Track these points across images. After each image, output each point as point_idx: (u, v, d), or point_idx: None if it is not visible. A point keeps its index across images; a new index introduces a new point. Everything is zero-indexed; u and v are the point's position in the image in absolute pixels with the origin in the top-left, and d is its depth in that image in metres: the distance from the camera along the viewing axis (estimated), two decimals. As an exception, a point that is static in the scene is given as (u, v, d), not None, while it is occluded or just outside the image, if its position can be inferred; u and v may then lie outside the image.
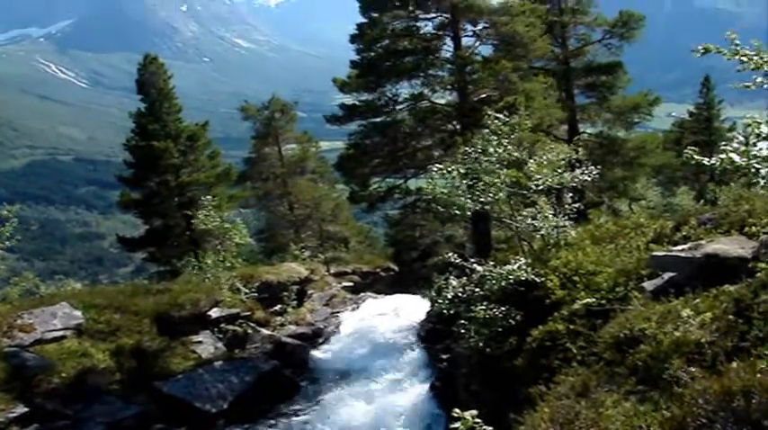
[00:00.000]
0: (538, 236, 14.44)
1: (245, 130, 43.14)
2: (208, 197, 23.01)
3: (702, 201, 24.54)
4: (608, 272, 11.22)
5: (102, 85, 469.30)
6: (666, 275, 9.59)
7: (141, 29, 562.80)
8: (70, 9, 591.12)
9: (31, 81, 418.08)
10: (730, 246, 9.33)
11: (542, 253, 13.88)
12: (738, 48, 7.43)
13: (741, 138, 8.34)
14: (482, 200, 13.74)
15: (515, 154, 14.25)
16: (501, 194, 13.85)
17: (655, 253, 10.52)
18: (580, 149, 16.07)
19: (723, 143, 8.55)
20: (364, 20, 27.30)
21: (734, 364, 6.17)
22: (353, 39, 27.34)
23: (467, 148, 14.85)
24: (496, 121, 14.69)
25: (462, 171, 14.14)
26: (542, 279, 12.14)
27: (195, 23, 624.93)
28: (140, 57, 30.72)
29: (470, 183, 14.02)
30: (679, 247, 10.19)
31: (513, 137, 14.65)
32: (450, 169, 14.17)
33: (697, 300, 8.13)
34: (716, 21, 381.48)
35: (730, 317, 7.20)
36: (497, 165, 13.90)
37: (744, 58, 7.41)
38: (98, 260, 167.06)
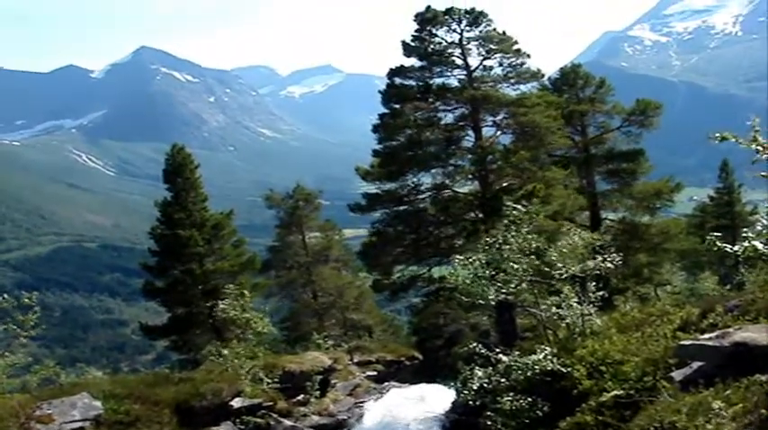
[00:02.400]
0: (563, 324, 14.31)
1: (268, 218, 43.64)
2: (231, 286, 23.07)
3: (728, 286, 24.25)
4: (635, 361, 11.07)
5: (129, 174, 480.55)
6: (695, 364, 9.45)
7: (170, 119, 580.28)
8: (103, 101, 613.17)
9: (62, 170, 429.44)
10: (758, 334, 9.19)
11: (568, 342, 13.73)
12: (757, 135, 7.55)
13: (765, 222, 8.38)
14: (504, 290, 13.74)
15: (534, 243, 14.30)
16: (524, 284, 13.85)
17: (682, 342, 10.38)
18: (603, 236, 16.11)
19: (745, 229, 8.59)
20: (386, 110, 27.99)
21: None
22: (376, 129, 27.98)
23: (487, 239, 14.95)
24: (514, 212, 14.85)
25: (484, 261, 14.20)
26: (569, 369, 11.98)
27: (221, 114, 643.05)
28: (167, 146, 31.47)
29: (492, 272, 14.05)
30: (706, 336, 10.05)
31: (531, 225, 14.75)
32: (471, 259, 14.24)
33: (728, 391, 7.97)
34: (729, 105, 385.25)
35: (762, 410, 7.05)
36: (518, 255, 13.96)
37: (760, 148, 7.53)
38: (120, 347, 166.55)
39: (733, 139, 7.86)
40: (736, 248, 8.12)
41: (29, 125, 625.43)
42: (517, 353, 13.55)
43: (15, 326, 17.25)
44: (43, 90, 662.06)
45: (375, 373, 29.51)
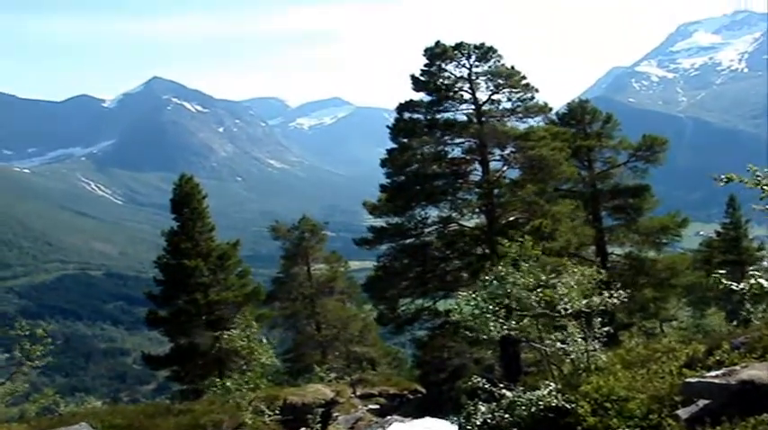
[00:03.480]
0: (567, 360, 14.17)
1: (274, 248, 43.66)
2: (239, 317, 23.00)
3: (735, 322, 24.05)
4: (641, 398, 10.95)
5: (136, 203, 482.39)
6: (701, 402, 9.35)
7: (179, 149, 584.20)
8: (114, 130, 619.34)
9: (70, 197, 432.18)
10: (766, 372, 9.11)
11: (572, 378, 13.59)
12: (759, 177, 7.55)
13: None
14: (505, 326, 13.66)
15: (532, 279, 14.22)
16: (525, 320, 13.79)
17: (688, 379, 10.28)
18: (605, 272, 16.02)
19: (751, 268, 8.56)
20: (394, 144, 28.10)
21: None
22: (384, 163, 28.07)
23: (486, 277, 14.90)
24: (509, 249, 14.84)
25: (485, 296, 14.14)
26: (573, 405, 11.83)
27: (230, 144, 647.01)
28: (176, 175, 31.64)
29: (495, 308, 13.98)
30: (713, 373, 9.96)
31: (529, 262, 14.68)
32: (474, 295, 14.19)
33: (734, 431, 7.88)
34: (735, 141, 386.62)
35: (769, 450, 6.95)
36: (521, 290, 13.90)
37: (766, 187, 7.53)
38: (121, 377, 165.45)
39: (738, 181, 7.85)
40: (741, 286, 8.08)
41: (40, 153, 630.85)
42: (521, 388, 13.42)
43: (22, 355, 17.24)
44: (56, 119, 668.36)
45: (378, 407, 29.22)
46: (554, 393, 12.35)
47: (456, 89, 27.75)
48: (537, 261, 15.02)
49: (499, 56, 27.38)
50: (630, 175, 33.40)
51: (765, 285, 7.71)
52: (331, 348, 37.11)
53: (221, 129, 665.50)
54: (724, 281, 8.13)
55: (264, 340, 21.95)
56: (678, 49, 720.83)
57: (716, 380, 9.37)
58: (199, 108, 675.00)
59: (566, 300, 13.79)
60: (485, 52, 27.24)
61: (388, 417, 26.88)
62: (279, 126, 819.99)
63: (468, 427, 13.65)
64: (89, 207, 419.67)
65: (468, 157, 28.22)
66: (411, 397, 33.92)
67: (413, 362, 42.72)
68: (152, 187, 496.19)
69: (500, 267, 14.62)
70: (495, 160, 28.28)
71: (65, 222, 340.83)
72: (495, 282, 14.31)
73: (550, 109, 29.98)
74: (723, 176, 7.88)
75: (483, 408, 13.46)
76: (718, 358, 11.56)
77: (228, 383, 19.69)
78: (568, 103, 35.20)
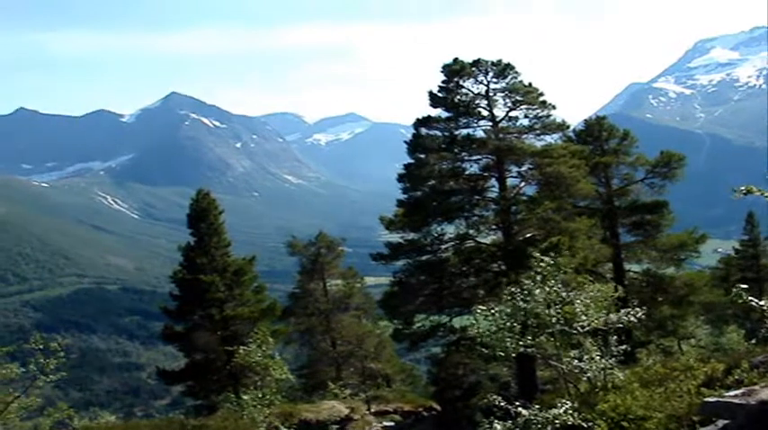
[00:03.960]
0: (584, 378, 14.06)
1: (290, 264, 43.72)
2: (255, 332, 23.01)
3: (754, 341, 23.76)
4: (658, 417, 10.83)
5: (153, 217, 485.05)
6: (720, 422, 9.20)
7: (196, 164, 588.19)
8: (132, 144, 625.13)
9: (87, 211, 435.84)
10: (786, 392, 8.97)
11: (589, 396, 13.47)
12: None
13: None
14: (522, 343, 13.59)
15: (563, 294, 14.15)
16: (541, 338, 13.71)
17: (707, 398, 10.14)
18: (621, 289, 15.89)
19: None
20: (411, 160, 28.14)
21: None
22: (401, 178, 28.11)
23: (512, 290, 14.81)
24: (541, 263, 14.72)
25: (507, 312, 14.08)
26: (590, 424, 11.72)
27: (248, 160, 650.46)
28: (192, 190, 31.81)
29: (514, 325, 13.90)
30: (732, 393, 9.81)
31: (557, 277, 14.60)
32: (493, 311, 14.12)
33: (754, 452, 7.77)
34: (753, 157, 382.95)
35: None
36: (544, 306, 13.83)
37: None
38: (135, 391, 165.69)
39: (758, 193, 7.82)
40: (762, 303, 7.99)
41: (59, 167, 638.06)
42: (537, 406, 13.31)
43: (36, 369, 17.29)
44: (75, 133, 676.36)
45: (392, 424, 29.10)
46: (570, 412, 12.23)
47: (473, 106, 27.81)
48: (559, 277, 14.94)
49: (516, 72, 27.44)
50: (648, 192, 33.23)
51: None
52: (346, 364, 36.96)
53: (238, 145, 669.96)
54: (744, 296, 8.05)
55: (279, 356, 21.95)
56: (696, 65, 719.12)
57: (735, 400, 9.22)
58: (216, 123, 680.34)
59: (584, 317, 13.70)
60: (502, 69, 27.31)
61: (403, 435, 26.77)
62: (296, 141, 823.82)
63: (484, 446, 13.55)
64: (106, 221, 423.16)
65: (485, 174, 28.24)
66: (426, 414, 33.73)
67: (428, 379, 42.54)
68: (169, 202, 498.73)
69: (528, 281, 14.55)
70: (512, 177, 28.27)
71: (81, 236, 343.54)
72: (522, 296, 14.23)
73: (568, 126, 29.97)
74: (743, 188, 7.85)
75: (498, 426, 13.35)
76: (737, 377, 11.42)
77: (246, 397, 19.68)
78: (585, 120, 35.13)
